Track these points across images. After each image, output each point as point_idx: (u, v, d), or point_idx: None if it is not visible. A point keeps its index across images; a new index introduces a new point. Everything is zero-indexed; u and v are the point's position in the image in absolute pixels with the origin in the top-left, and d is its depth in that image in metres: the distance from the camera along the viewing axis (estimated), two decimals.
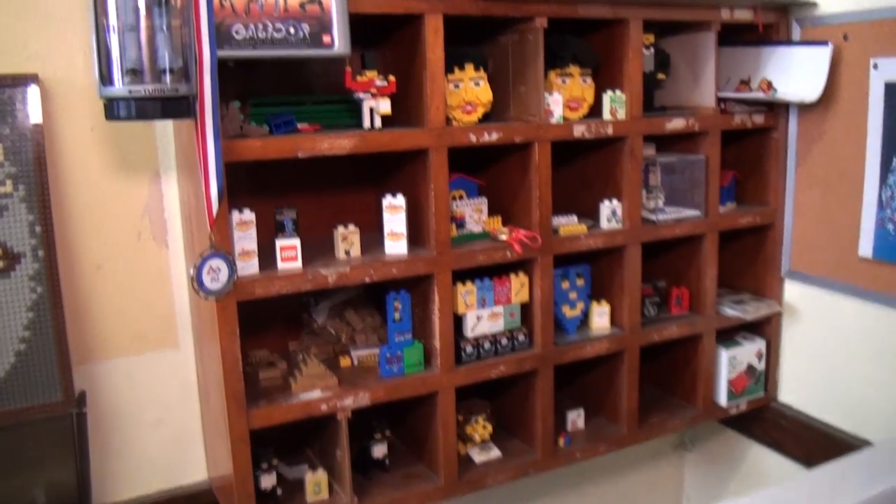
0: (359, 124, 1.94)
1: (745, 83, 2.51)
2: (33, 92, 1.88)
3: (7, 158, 1.88)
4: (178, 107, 1.59)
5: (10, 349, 1.92)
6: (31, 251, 1.91)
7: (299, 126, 1.91)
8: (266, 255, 1.88)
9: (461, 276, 2.09)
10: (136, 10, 1.55)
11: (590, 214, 2.34)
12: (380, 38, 2.11)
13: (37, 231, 1.91)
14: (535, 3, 2.02)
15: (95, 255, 2.03)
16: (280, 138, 1.81)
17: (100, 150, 2.00)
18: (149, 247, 2.09)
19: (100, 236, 2.03)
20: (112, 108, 1.56)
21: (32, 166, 1.89)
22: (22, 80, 1.88)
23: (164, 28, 1.57)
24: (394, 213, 1.98)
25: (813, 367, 2.64)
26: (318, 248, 2.04)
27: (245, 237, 1.82)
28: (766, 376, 2.72)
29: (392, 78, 1.93)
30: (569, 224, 2.24)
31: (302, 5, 1.73)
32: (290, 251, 1.88)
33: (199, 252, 1.76)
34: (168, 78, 1.57)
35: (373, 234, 2.10)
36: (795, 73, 2.42)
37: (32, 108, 1.88)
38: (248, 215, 1.82)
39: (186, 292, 2.14)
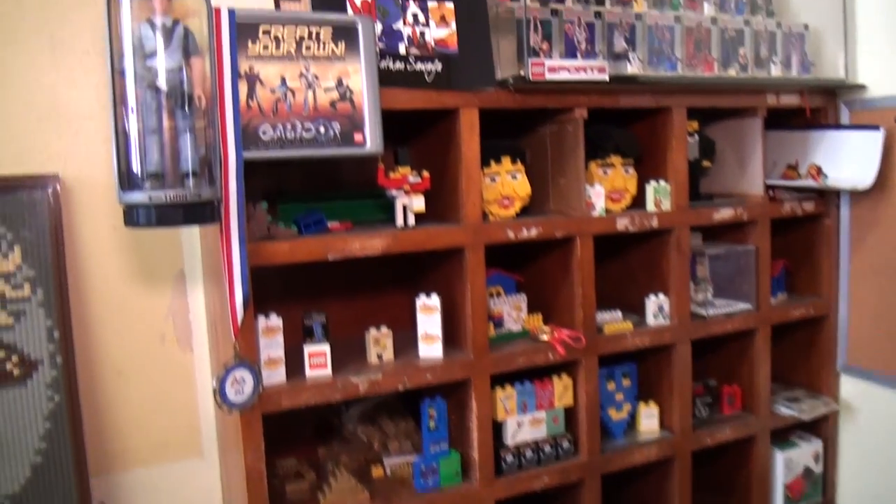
0: (392, 218, 1.84)
1: (793, 168, 2.40)
2: (53, 192, 1.82)
3: (26, 261, 1.81)
4: (201, 212, 1.50)
5: (25, 461, 1.82)
6: (49, 357, 1.82)
7: (330, 225, 1.83)
8: (294, 359, 1.77)
9: (500, 379, 1.96)
10: (159, 111, 1.48)
11: (635, 309, 2.21)
12: (414, 132, 2.04)
13: (55, 336, 1.82)
14: (575, 95, 1.94)
15: (116, 360, 1.94)
16: (309, 240, 1.71)
17: (122, 251, 1.92)
18: (173, 351, 1.99)
19: (121, 340, 1.94)
20: (132, 215, 1.47)
21: (52, 269, 1.82)
22: (42, 181, 1.82)
23: (188, 130, 1.50)
24: (428, 314, 1.87)
25: (874, 469, 2.46)
26: (348, 350, 1.93)
27: (271, 344, 1.71)
28: (824, 480, 2.54)
29: (426, 174, 1.84)
30: (613, 321, 2.12)
31: (332, 103, 1.65)
32: (319, 357, 1.77)
33: (223, 362, 1.66)
34: (191, 182, 1.49)
35: (406, 333, 1.99)
36: (846, 158, 2.31)
37: (53, 209, 1.81)
38: (275, 321, 1.72)
39: (212, 398, 2.03)
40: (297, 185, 2.04)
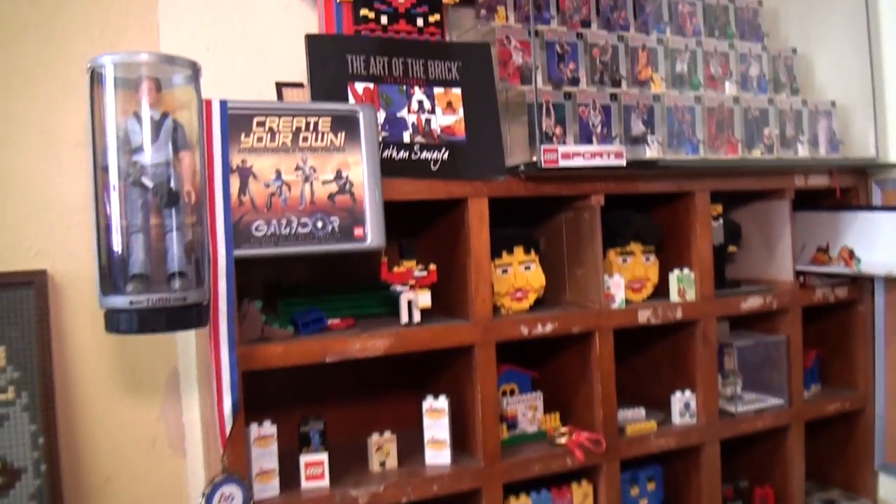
0: (398, 313, 1.73)
1: (824, 251, 2.27)
2: (41, 290, 1.72)
3: (11, 362, 1.71)
4: (186, 317, 1.39)
5: None
6: (33, 465, 1.70)
7: (330, 322, 1.71)
8: (289, 466, 1.64)
9: (514, 487, 1.82)
10: (145, 208, 1.39)
11: (660, 404, 2.07)
12: (421, 223, 1.93)
13: (39, 443, 1.71)
14: (590, 181, 1.84)
15: (104, 466, 1.82)
16: (305, 341, 1.60)
17: (112, 350, 1.82)
18: (164, 455, 1.87)
19: (110, 445, 1.82)
20: (112, 321, 1.37)
21: (37, 370, 1.72)
22: (29, 278, 1.73)
23: (175, 228, 1.40)
24: (436, 417, 1.74)
25: None
26: (349, 455, 1.80)
27: (264, 454, 1.58)
28: None
29: (433, 267, 1.73)
30: (636, 420, 1.97)
31: (331, 196, 1.55)
32: (316, 468, 1.64)
33: (211, 476, 1.53)
34: (177, 283, 1.39)
35: (413, 433, 1.86)
36: (880, 240, 2.17)
37: (40, 308, 1.72)
38: (269, 429, 1.60)
39: None
40: (301, 277, 1.93)
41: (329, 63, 1.69)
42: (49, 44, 1.77)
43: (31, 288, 1.72)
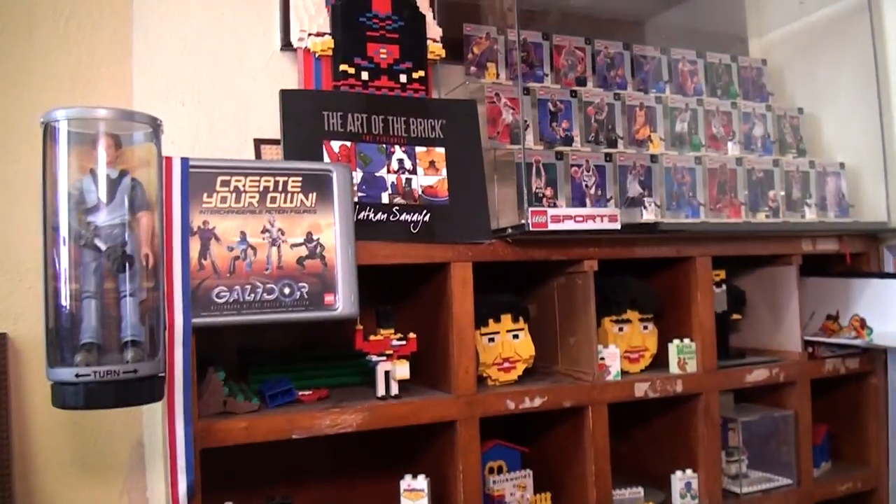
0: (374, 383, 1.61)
1: (834, 319, 2.15)
2: (1, 354, 1.63)
3: None
4: (137, 391, 1.28)
5: None
6: None
7: (301, 394, 1.60)
8: None
9: None
10: (98, 272, 1.30)
11: (660, 482, 1.93)
12: (401, 289, 1.83)
13: None
14: (583, 246, 1.73)
15: None
16: (271, 416, 1.48)
17: (73, 419, 1.70)
18: None
19: None
20: (58, 395, 1.26)
21: None
22: None
23: (130, 293, 1.30)
24: (414, 499, 1.61)
25: None
26: None
27: None
28: None
29: (412, 335, 1.62)
30: (634, 501, 1.84)
31: (300, 260, 1.45)
32: None
33: None
34: (129, 354, 1.28)
35: None
36: (892, 309, 2.05)
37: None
38: None
39: None
40: (275, 342, 1.82)
41: (304, 119, 1.61)
42: (17, 94, 1.69)
43: None
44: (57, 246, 1.29)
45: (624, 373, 1.84)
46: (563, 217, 1.64)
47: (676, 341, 1.88)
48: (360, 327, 1.57)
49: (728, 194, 2.02)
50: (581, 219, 1.66)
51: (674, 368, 1.88)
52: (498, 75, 1.93)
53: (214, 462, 1.43)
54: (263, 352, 1.77)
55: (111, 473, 1.74)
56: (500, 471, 1.79)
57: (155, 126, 1.35)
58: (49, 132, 1.30)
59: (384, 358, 1.60)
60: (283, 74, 1.87)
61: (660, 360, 1.92)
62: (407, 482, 1.62)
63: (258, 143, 1.81)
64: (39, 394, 1.68)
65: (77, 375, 1.25)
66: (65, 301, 1.29)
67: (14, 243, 1.68)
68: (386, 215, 1.60)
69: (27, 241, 1.68)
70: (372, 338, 1.59)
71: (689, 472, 1.89)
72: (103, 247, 1.30)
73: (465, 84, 1.91)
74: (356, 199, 1.57)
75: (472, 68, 1.93)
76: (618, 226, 1.70)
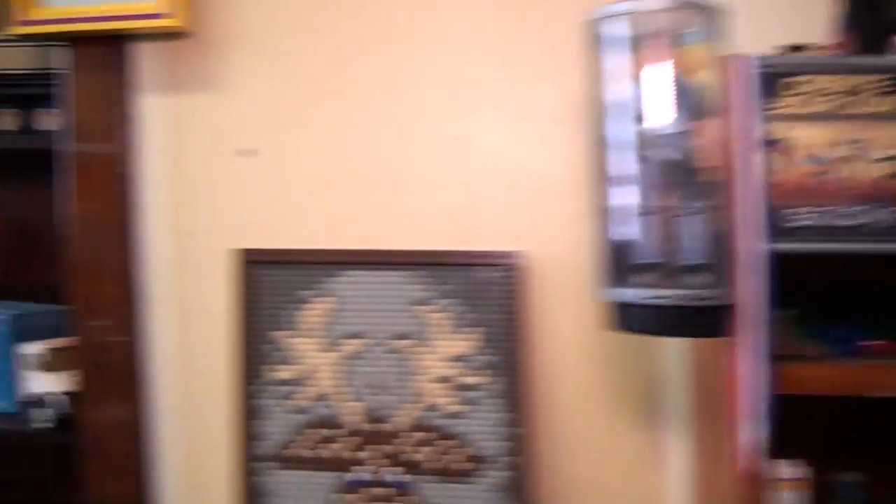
0: None
1: None
2: (517, 273, 1.61)
3: (484, 344, 1.62)
4: (706, 320, 1.13)
5: None
6: (502, 456, 1.60)
7: (868, 344, 1.33)
8: None
9: None
10: (656, 187, 1.16)
11: None
12: None
13: (511, 434, 1.59)
14: None
15: (578, 472, 1.64)
16: (837, 366, 1.24)
17: (588, 347, 1.63)
18: (638, 471, 1.63)
19: (583, 450, 1.65)
20: (624, 317, 1.16)
21: (513, 358, 1.60)
22: (506, 259, 1.62)
23: (695, 212, 1.16)
24: None
25: None
26: None
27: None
28: None
29: None
30: None
31: (886, 179, 1.18)
32: None
33: None
34: (695, 280, 1.13)
35: None
36: None
37: (515, 291, 1.61)
38: (801, 472, 1.27)
39: None
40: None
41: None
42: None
43: (508, 270, 1.62)
44: (607, 158, 1.18)
45: None
46: None
47: None
48: None
49: None
50: None
51: None
52: None
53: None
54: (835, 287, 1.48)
55: (626, 406, 1.64)
56: None
57: (717, 19, 1.17)
58: (594, 32, 1.19)
59: None
60: None
61: None
62: None
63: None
64: (558, 316, 1.64)
65: (640, 298, 1.13)
66: (617, 218, 1.17)
67: (534, 165, 1.64)
68: None
69: (544, 159, 1.63)
70: None
71: None
72: (662, 158, 1.16)
73: None
74: None
75: None
76: None
